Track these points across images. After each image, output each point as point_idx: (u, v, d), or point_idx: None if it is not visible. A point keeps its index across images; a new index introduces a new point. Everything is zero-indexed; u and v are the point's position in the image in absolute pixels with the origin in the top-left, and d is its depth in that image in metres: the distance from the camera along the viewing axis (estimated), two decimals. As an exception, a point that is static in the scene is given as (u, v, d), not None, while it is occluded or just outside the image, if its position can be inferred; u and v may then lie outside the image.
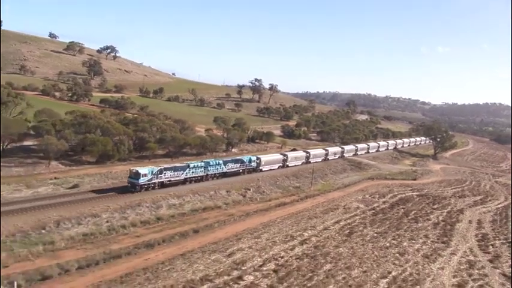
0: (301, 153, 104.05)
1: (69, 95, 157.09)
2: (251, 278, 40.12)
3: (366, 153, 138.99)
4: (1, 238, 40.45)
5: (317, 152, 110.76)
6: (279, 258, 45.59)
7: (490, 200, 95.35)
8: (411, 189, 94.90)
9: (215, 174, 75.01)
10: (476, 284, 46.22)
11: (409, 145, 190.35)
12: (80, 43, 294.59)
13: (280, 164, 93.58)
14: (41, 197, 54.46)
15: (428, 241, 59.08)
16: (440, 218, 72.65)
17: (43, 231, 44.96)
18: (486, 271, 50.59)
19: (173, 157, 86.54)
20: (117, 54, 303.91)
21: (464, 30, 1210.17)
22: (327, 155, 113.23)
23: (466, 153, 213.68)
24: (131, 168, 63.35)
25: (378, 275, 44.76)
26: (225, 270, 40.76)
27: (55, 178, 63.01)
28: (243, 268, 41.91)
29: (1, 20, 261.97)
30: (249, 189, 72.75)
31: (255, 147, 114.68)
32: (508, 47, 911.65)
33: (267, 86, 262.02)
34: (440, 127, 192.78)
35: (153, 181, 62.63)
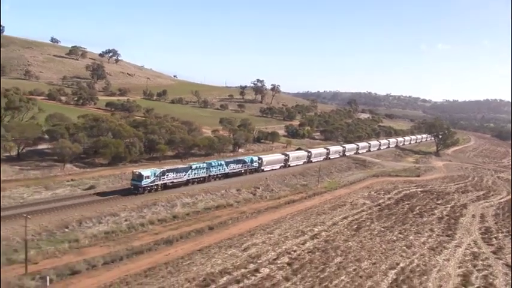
0: (302, 153, 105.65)
1: (75, 99, 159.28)
2: (267, 270, 42.33)
3: (367, 151, 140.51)
4: (5, 239, 42.47)
5: (318, 151, 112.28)
6: (292, 252, 47.83)
7: (492, 195, 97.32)
8: (415, 186, 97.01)
9: (217, 175, 75.91)
10: (481, 274, 48.25)
11: (410, 143, 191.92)
12: (82, 47, 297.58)
13: (282, 164, 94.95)
14: (60, 198, 56.83)
15: (434, 234, 61.20)
16: (445, 213, 74.71)
17: (66, 229, 47.28)
18: (490, 262, 52.64)
19: (182, 158, 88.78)
20: (119, 58, 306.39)
21: (464, 27, 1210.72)
22: (328, 154, 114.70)
23: (468, 150, 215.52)
24: (134, 170, 64.52)
25: (386, 266, 46.93)
26: (241, 264, 42.98)
27: (71, 180, 65.43)
28: (259, 261, 44.16)
29: (1, 25, 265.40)
30: (258, 188, 74.98)
31: (260, 147, 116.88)
32: (508, 43, 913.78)
33: (268, 87, 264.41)
34: (442, 124, 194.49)
35: (156, 183, 63.38)
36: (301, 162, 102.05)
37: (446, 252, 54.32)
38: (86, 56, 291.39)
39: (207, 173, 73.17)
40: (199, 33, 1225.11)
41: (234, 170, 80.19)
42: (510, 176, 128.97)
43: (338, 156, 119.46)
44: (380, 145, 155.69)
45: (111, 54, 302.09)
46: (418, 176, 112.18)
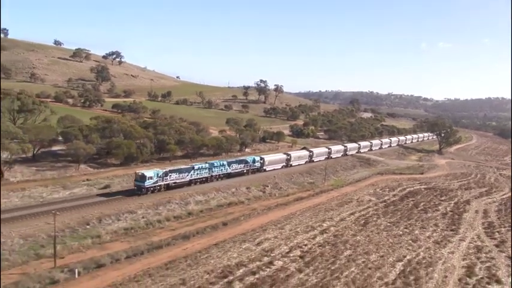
0: (304, 153, 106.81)
1: (82, 101, 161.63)
2: (280, 263, 44.50)
3: (368, 150, 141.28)
4: (31, 235, 44.70)
5: (320, 151, 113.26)
6: (303, 246, 50.01)
7: (494, 192, 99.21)
8: (419, 183, 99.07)
9: (219, 175, 76.58)
10: (484, 266, 50.24)
11: (411, 141, 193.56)
12: (86, 50, 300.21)
13: (284, 164, 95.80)
14: (77, 197, 59.09)
15: (438, 229, 63.23)
16: (448, 209, 76.70)
17: (88, 226, 49.52)
18: (493, 254, 54.61)
19: (191, 158, 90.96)
20: (122, 60, 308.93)
21: (465, 25, 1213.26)
22: (329, 153, 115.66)
23: (470, 148, 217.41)
24: (137, 171, 65.45)
25: (394, 258, 49.04)
26: (256, 257, 45.16)
27: (87, 180, 67.69)
28: (272, 255, 46.35)
29: (3, 28, 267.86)
30: (267, 186, 77.19)
31: (266, 147, 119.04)
32: (509, 42, 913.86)
33: (270, 87, 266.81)
34: (444, 123, 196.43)
35: (159, 183, 63.95)
36: (303, 162, 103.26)
37: (450, 245, 56.33)
38: (89, 58, 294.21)
39: (209, 173, 73.71)
40: (200, 34, 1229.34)
41: (236, 170, 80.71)
42: (511, 173, 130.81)
43: (340, 155, 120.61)
44: (382, 144, 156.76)
45: (114, 56, 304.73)
46: (422, 173, 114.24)
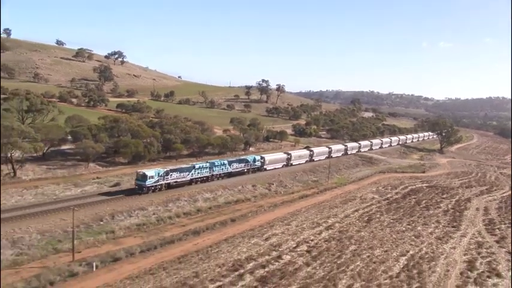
0: (304, 152, 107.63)
1: (86, 100, 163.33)
2: (288, 257, 46.14)
3: (369, 150, 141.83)
4: (48, 231, 46.35)
5: (320, 150, 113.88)
6: (310, 241, 51.67)
7: (495, 190, 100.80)
8: (421, 181, 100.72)
9: (220, 174, 76.69)
10: (485, 261, 51.79)
11: (412, 141, 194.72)
12: (88, 49, 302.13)
13: (285, 163, 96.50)
14: (89, 195, 60.72)
15: (440, 226, 64.85)
16: (450, 206, 78.31)
17: (101, 222, 51.18)
18: (493, 250, 56.16)
19: (197, 156, 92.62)
20: (125, 59, 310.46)
21: (465, 25, 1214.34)
22: (330, 152, 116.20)
23: (471, 147, 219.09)
24: (138, 170, 65.98)
25: (397, 253, 50.67)
26: (265, 251, 46.82)
27: (97, 178, 69.40)
28: (280, 249, 48.02)
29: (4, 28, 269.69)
30: (273, 184, 78.88)
31: (270, 146, 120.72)
32: (509, 41, 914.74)
33: (272, 87, 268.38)
34: (445, 122, 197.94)
35: (160, 182, 64.15)
36: (304, 161, 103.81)
37: (452, 241, 57.92)
38: (92, 58, 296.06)
39: (210, 173, 74.08)
40: (200, 34, 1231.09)
41: (237, 169, 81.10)
42: (511, 172, 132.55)
43: (340, 154, 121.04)
44: (382, 143, 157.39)
45: (116, 56, 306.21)
46: (423, 172, 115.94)
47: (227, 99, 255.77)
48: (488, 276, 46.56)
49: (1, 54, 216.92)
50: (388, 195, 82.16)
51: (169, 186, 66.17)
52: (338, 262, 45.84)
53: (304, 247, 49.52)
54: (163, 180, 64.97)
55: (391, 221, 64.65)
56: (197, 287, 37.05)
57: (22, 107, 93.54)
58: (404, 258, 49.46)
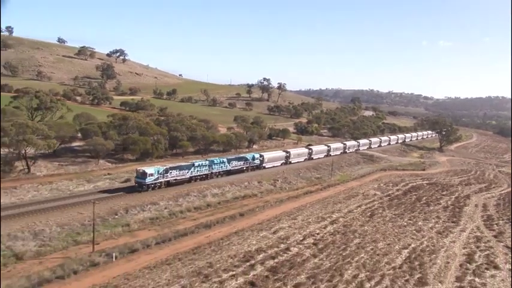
0: (303, 150, 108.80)
1: (90, 98, 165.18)
2: (296, 249, 48.42)
3: (367, 148, 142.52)
4: (66, 224, 48.49)
5: (319, 149, 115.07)
6: (316, 235, 53.99)
7: (493, 187, 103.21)
8: (421, 179, 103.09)
9: (219, 172, 77.07)
10: (483, 254, 54.12)
11: (411, 139, 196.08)
12: (90, 48, 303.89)
13: (283, 161, 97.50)
14: (102, 190, 62.88)
15: (440, 221, 67.19)
16: (449, 203, 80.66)
17: (116, 216, 53.39)
18: (491, 244, 58.49)
19: (203, 154, 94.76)
20: (126, 58, 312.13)
21: (465, 24, 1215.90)
22: (329, 151, 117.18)
23: (470, 146, 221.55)
24: (138, 168, 66.63)
25: (399, 246, 52.99)
26: (273, 244, 49.10)
27: (108, 174, 71.55)
28: (288, 242, 50.32)
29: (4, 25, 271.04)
30: (277, 180, 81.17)
31: (273, 144, 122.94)
32: (509, 40, 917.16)
33: (273, 85, 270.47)
34: (445, 121, 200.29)
35: (160, 180, 64.67)
36: (302, 159, 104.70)
37: (452, 235, 60.24)
38: (94, 56, 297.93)
39: (209, 170, 74.45)
40: (199, 32, 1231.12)
41: (236, 167, 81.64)
42: (510, 170, 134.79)
43: (339, 153, 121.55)
44: (381, 142, 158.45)
45: (118, 54, 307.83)
46: (424, 169, 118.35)
47: (228, 97, 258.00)
48: (487, 268, 48.89)
49: (3, 52, 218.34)
50: (390, 192, 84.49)
51: (168, 184, 66.50)
52: (343, 254, 48.13)
53: (311, 240, 51.81)
54: (163, 178, 65.49)
55: (393, 216, 66.99)
56: (212, 276, 39.26)
57: (32, 104, 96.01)
58: (406, 250, 51.75)
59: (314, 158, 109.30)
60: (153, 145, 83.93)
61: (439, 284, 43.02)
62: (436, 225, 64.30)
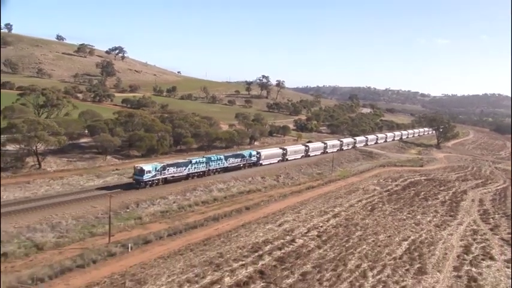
0: (300, 147, 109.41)
1: (92, 96, 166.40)
2: (301, 241, 50.75)
3: (364, 145, 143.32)
4: (81, 217, 50.54)
5: (316, 146, 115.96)
6: (319, 227, 56.36)
7: (490, 183, 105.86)
8: (419, 174, 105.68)
9: (216, 169, 77.36)
10: (480, 246, 56.56)
11: (407, 136, 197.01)
12: (90, 45, 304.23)
13: (280, 158, 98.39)
14: (111, 185, 64.90)
15: (438, 215, 69.69)
16: (447, 198, 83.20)
17: (127, 209, 55.56)
18: (487, 237, 60.95)
19: (206, 150, 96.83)
20: (125, 55, 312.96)
21: (463, 22, 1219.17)
22: (325, 148, 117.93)
23: (467, 143, 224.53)
24: (135, 165, 67.65)
25: (399, 238, 55.41)
26: (279, 236, 51.42)
27: (116, 169, 73.54)
28: (293, 234, 52.66)
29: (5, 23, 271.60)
30: (280, 176, 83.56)
31: (273, 140, 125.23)
32: (507, 38, 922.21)
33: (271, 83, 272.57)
34: (442, 118, 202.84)
35: (157, 177, 64.89)
36: (299, 156, 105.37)
37: (449, 228, 62.69)
38: (93, 53, 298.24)
39: (206, 167, 74.64)
40: (198, 30, 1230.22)
41: (233, 164, 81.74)
42: (507, 167, 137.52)
43: (335, 150, 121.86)
44: (377, 139, 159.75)
45: (117, 51, 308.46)
46: (421, 166, 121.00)
47: (228, 94, 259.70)
48: (483, 259, 51.32)
49: (3, 49, 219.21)
50: (389, 187, 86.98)
51: (166, 181, 66.65)
52: (346, 245, 50.47)
53: (315, 232, 54.14)
54: (161, 174, 65.67)
55: (393, 210, 69.42)
56: (223, 265, 41.47)
57: (38, 102, 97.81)
58: (406, 242, 54.15)
59: (311, 155, 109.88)
60: (158, 142, 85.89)
61: (438, 273, 45.38)
62: (434, 219, 66.73)
